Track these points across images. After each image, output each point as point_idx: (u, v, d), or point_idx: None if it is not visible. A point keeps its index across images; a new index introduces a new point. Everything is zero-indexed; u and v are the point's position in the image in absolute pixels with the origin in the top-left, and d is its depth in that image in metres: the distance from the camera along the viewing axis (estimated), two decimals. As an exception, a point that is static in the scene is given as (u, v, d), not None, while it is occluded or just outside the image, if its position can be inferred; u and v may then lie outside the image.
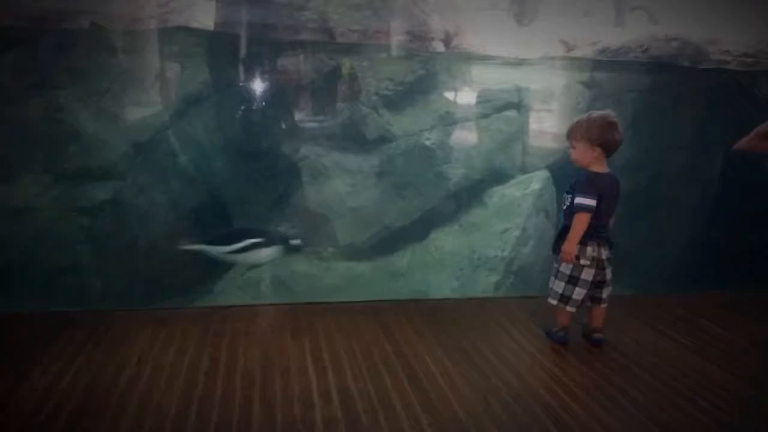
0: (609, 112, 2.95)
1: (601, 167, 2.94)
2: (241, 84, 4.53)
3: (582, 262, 2.94)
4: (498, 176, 4.92)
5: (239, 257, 4.46)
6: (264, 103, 4.46)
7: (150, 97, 4.54)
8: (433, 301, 3.99)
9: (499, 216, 4.84)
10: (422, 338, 3.09)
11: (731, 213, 4.92)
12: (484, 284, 4.65)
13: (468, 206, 4.83)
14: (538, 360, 2.92)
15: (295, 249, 4.44)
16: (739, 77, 4.90)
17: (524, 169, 5.02)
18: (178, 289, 3.75)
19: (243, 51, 4.50)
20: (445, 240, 4.71)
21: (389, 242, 4.59)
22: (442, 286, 4.49)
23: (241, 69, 4.51)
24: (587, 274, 2.94)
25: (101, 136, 4.33)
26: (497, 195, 4.89)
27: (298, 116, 4.54)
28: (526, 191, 4.86)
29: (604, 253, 2.94)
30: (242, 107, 4.41)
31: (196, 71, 4.46)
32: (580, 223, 2.87)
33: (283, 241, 4.50)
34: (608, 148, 2.91)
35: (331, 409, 2.36)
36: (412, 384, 2.59)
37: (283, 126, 4.47)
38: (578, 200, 2.87)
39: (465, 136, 4.94)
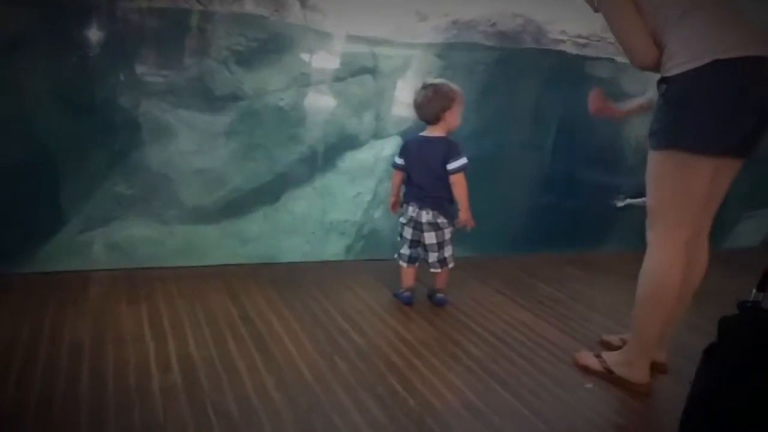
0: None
1: (427, 131, 3.14)
2: (73, 30, 4.07)
3: (401, 219, 3.17)
4: (351, 141, 4.91)
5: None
6: (100, 52, 4.04)
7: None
8: (284, 265, 3.95)
9: (351, 180, 4.85)
10: (270, 302, 3.05)
11: (561, 179, 5.36)
12: (335, 248, 4.66)
13: (321, 170, 4.78)
14: (385, 320, 3.00)
15: None
16: (571, 57, 5.29)
17: (377, 135, 5.05)
18: (-6, 255, 3.35)
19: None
20: (298, 204, 4.63)
21: (238, 205, 4.41)
22: (293, 250, 4.42)
23: (74, 13, 4.05)
24: (407, 233, 3.15)
25: None
26: (350, 159, 4.89)
27: (140, 69, 4.16)
28: (379, 157, 4.91)
29: (425, 217, 3.07)
30: (74, 55, 3.97)
31: (21, 11, 3.94)
32: (393, 177, 3.23)
33: None
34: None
35: (171, 377, 2.26)
36: (258, 348, 2.55)
37: (122, 78, 4.07)
38: None
39: (320, 99, 4.85)
